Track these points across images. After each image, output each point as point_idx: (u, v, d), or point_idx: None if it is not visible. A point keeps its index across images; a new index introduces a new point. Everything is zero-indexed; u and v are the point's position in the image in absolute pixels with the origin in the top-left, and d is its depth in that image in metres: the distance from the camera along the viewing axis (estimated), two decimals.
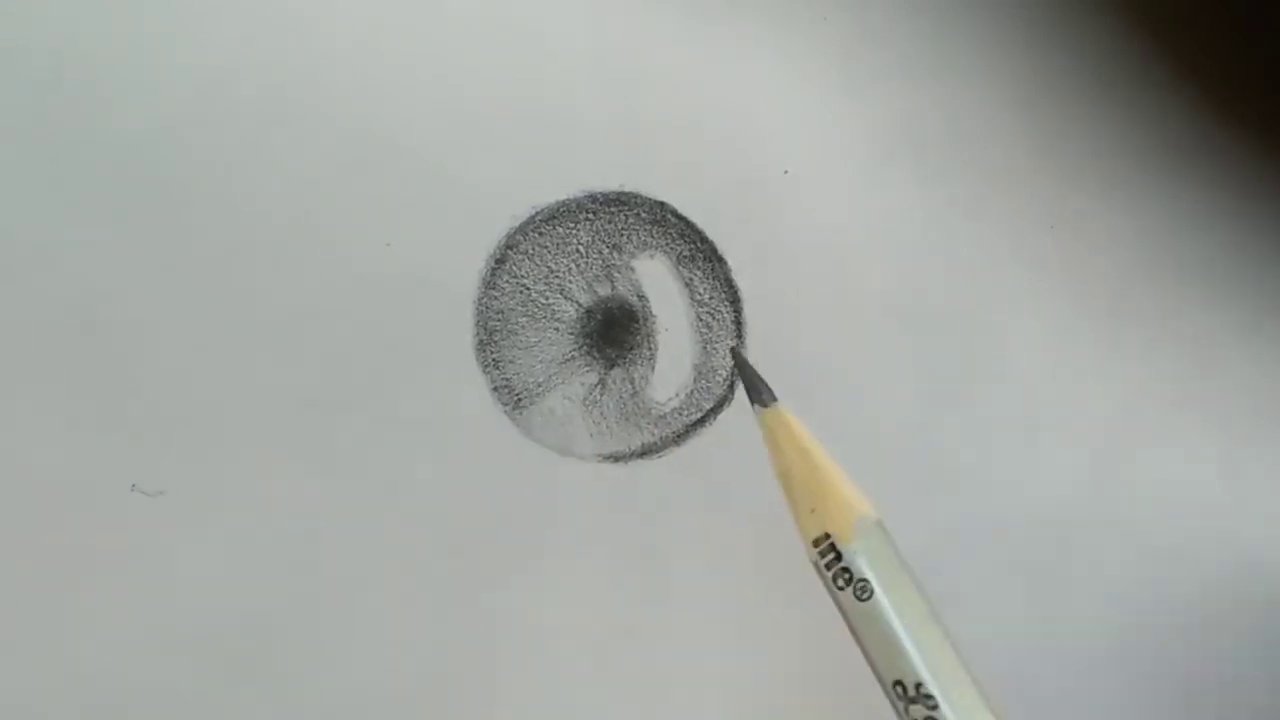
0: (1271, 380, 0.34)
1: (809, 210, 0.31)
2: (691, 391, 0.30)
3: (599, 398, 0.30)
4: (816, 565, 0.21)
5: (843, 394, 0.31)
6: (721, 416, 0.30)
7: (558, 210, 0.29)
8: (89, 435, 0.27)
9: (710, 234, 0.30)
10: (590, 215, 0.29)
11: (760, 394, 0.24)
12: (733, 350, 0.28)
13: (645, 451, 0.30)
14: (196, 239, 0.28)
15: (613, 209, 0.29)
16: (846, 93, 0.31)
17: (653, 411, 0.30)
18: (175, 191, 0.28)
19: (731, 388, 0.30)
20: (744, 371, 0.25)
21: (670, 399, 0.30)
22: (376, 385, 0.28)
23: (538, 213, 0.29)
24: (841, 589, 0.21)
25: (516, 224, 0.29)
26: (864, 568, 0.21)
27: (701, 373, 0.30)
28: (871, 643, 0.20)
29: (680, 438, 0.30)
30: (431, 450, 0.29)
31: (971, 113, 0.32)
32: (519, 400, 0.29)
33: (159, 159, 0.27)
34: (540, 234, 0.29)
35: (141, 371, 0.27)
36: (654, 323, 0.30)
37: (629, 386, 0.30)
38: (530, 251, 0.29)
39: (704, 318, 0.30)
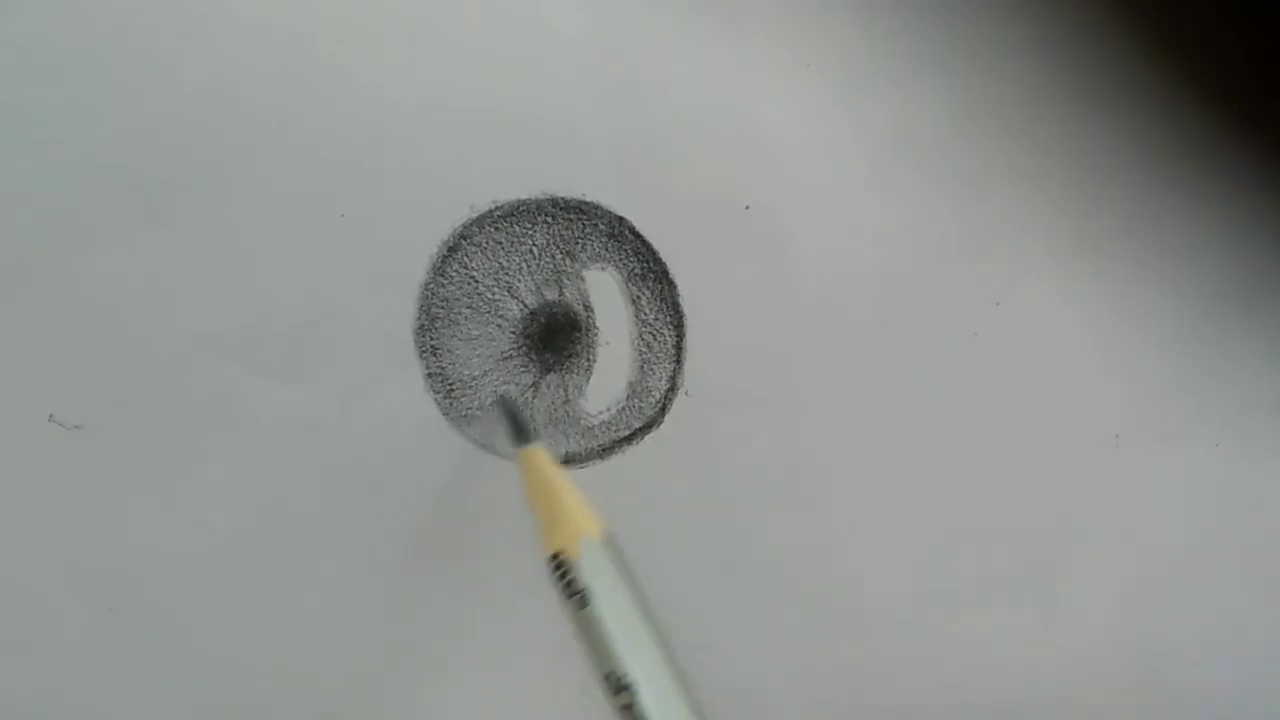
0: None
1: (767, 244, 0.31)
2: (623, 408, 0.30)
3: (530, 400, 0.30)
4: (551, 577, 0.25)
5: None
6: (649, 438, 0.30)
7: (517, 208, 0.29)
8: (8, 361, 0.27)
9: (665, 256, 0.30)
10: (549, 219, 0.29)
11: (522, 436, 0.27)
12: (501, 397, 0.29)
13: (568, 460, 0.30)
14: (133, 174, 0.27)
15: (572, 216, 0.29)
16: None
17: (581, 422, 0.30)
18: (111, 125, 0.27)
19: (663, 411, 0.30)
20: (509, 414, 0.28)
21: (601, 412, 0.30)
22: (307, 350, 0.28)
23: (498, 208, 0.29)
24: (568, 599, 0.24)
25: (474, 215, 0.29)
26: (584, 579, 0.24)
27: (635, 391, 0.30)
28: (588, 643, 0.24)
29: (605, 452, 0.30)
30: (351, 422, 0.28)
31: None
32: (451, 390, 0.29)
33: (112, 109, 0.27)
34: (497, 229, 0.29)
35: (71, 308, 0.27)
36: (596, 335, 0.30)
37: (562, 393, 0.30)
38: (484, 245, 0.29)
39: (646, 337, 0.30)
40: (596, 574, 0.24)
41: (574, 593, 0.24)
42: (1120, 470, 0.33)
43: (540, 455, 0.27)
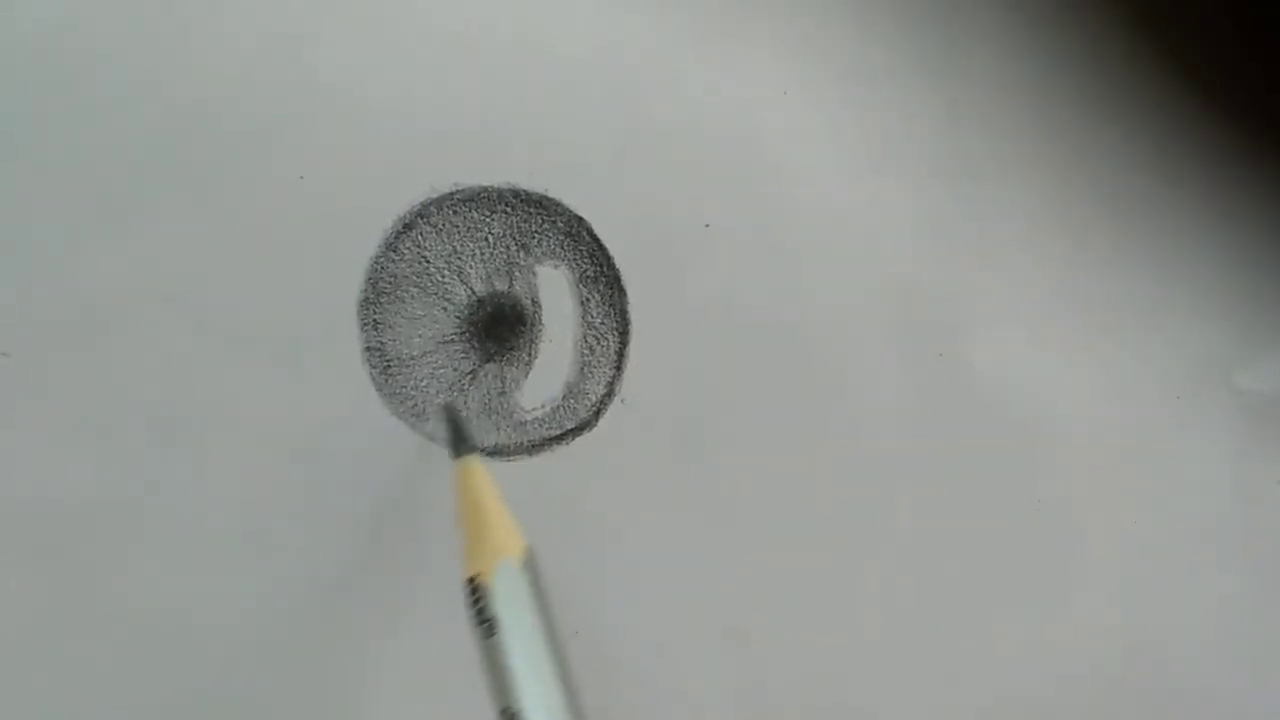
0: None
1: (721, 264, 0.31)
2: (558, 408, 0.30)
3: (466, 386, 0.30)
4: (465, 601, 0.24)
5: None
6: (580, 441, 0.30)
7: (478, 194, 0.29)
8: None
9: (620, 262, 0.30)
10: (508, 209, 0.29)
11: (460, 447, 0.27)
12: (445, 405, 0.29)
13: (495, 452, 0.30)
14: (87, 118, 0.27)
15: (532, 209, 0.29)
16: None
17: (514, 416, 0.30)
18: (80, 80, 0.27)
19: (598, 415, 0.30)
20: (451, 423, 0.28)
21: (535, 409, 0.30)
22: (244, 306, 0.28)
23: (458, 191, 0.29)
24: (477, 626, 0.23)
25: (434, 195, 0.29)
26: (494, 606, 0.23)
27: (572, 392, 0.30)
28: (489, 674, 0.23)
29: (533, 448, 0.30)
30: (283, 383, 0.28)
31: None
32: (388, 366, 0.29)
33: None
34: (455, 212, 0.29)
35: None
36: (540, 331, 0.30)
37: (499, 384, 0.30)
38: (440, 226, 0.29)
39: (590, 340, 0.30)
40: (509, 603, 0.23)
41: (483, 620, 0.23)
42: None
43: (475, 470, 0.26)
